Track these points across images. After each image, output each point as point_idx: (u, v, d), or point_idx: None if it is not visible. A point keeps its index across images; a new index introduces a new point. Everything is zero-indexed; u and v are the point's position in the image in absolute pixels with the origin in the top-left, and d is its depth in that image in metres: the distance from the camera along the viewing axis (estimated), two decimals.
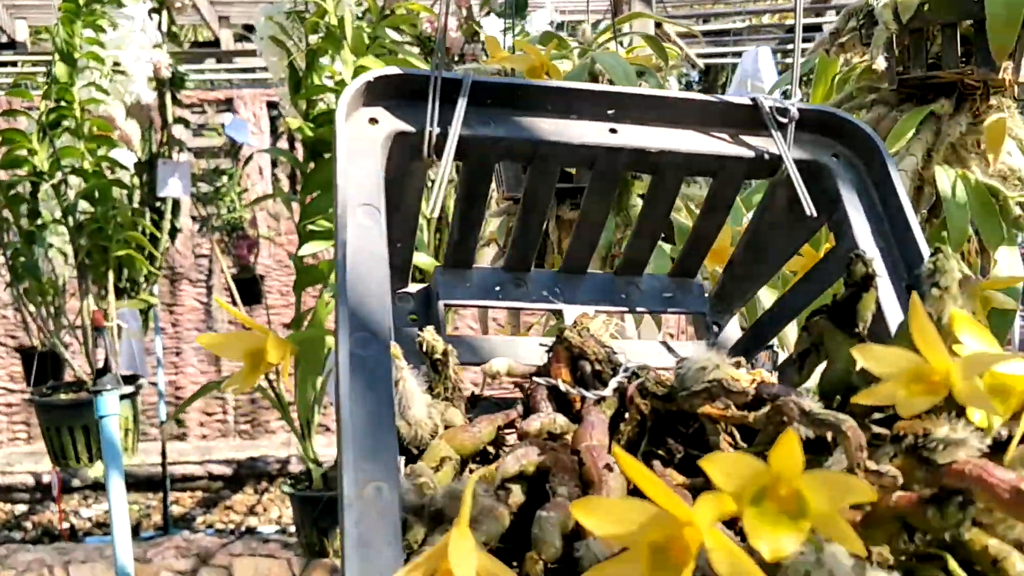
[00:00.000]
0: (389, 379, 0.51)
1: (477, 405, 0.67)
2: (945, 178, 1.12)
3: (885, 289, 0.65)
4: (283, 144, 5.38)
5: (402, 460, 0.58)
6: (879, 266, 0.65)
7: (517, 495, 0.55)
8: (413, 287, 0.73)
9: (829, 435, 0.54)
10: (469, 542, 0.46)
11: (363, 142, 0.59)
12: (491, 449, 0.62)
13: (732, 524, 0.46)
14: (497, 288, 0.73)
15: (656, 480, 0.42)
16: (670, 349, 0.74)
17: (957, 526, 0.44)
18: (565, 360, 0.63)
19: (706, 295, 0.78)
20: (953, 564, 0.50)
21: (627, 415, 0.60)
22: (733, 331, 0.78)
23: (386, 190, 0.59)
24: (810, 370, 0.62)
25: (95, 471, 3.16)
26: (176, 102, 3.82)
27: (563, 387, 0.61)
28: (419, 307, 0.72)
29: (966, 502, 0.44)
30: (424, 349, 0.63)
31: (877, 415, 0.58)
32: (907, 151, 1.11)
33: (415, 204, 0.67)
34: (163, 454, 4.34)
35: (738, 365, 0.66)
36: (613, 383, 0.61)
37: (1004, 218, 1.14)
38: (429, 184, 1.01)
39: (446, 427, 0.62)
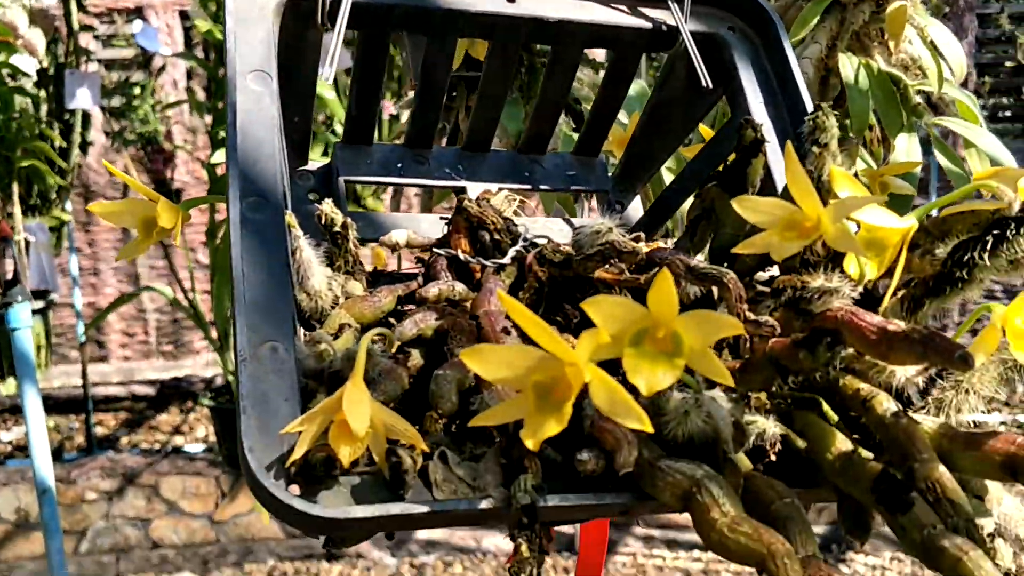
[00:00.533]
0: (282, 242, 0.51)
1: (379, 282, 0.67)
2: (849, 66, 1.14)
3: (775, 154, 0.66)
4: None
5: (303, 332, 0.58)
6: (769, 133, 0.67)
7: (416, 358, 0.56)
8: (313, 164, 0.72)
9: (715, 291, 0.56)
10: (363, 393, 0.46)
11: (254, 8, 0.58)
12: (393, 321, 0.62)
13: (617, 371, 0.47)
14: (399, 165, 0.72)
15: (541, 323, 0.43)
16: (572, 225, 0.75)
17: (826, 365, 0.46)
18: (464, 230, 0.63)
19: (610, 174, 0.79)
20: (826, 407, 0.53)
21: (526, 283, 0.62)
22: (637, 210, 0.79)
23: (282, 62, 0.58)
24: (702, 235, 0.63)
25: (8, 388, 3.10)
26: (82, 9, 3.67)
27: (463, 256, 0.62)
28: (320, 185, 0.72)
29: (834, 342, 0.46)
30: (323, 222, 0.63)
31: (762, 275, 0.60)
32: (812, 39, 1.13)
33: (311, 77, 0.66)
34: (84, 374, 4.28)
35: (637, 240, 0.67)
36: (512, 251, 0.62)
37: (904, 106, 1.16)
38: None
39: (347, 299, 0.62)
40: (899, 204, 1.11)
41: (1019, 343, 0.44)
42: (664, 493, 0.47)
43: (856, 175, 0.63)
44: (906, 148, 1.14)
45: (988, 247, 0.50)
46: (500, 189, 0.73)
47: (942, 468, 0.46)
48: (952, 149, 1.17)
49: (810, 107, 0.67)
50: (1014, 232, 0.50)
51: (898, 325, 0.45)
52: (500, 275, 0.62)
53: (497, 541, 4.86)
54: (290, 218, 0.55)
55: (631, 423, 0.41)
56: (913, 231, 0.54)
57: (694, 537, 4.84)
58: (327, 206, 0.63)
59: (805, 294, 0.51)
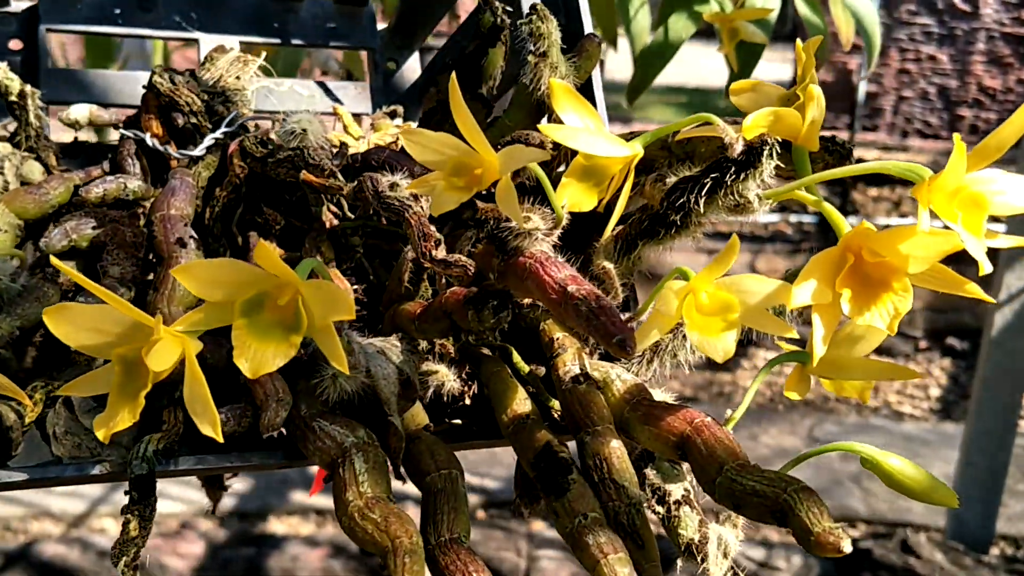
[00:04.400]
0: None
1: (80, 158, 0.58)
2: None
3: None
4: None
5: None
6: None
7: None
8: (16, 5, 0.62)
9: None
10: None
11: None
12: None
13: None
14: (117, 11, 0.62)
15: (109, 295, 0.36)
16: (329, 92, 0.66)
17: (493, 329, 0.41)
18: (155, 111, 0.55)
19: (379, 27, 0.69)
20: (517, 357, 0.48)
21: (227, 178, 0.54)
22: (414, 71, 0.70)
23: None
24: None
25: None
26: None
27: (151, 142, 0.53)
28: (23, 32, 0.61)
29: (500, 307, 0.40)
30: None
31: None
32: None
33: None
34: None
35: (393, 115, 0.59)
36: (208, 140, 0.53)
37: None
38: None
39: (22, 184, 0.54)
40: (749, 54, 1.03)
41: (694, 320, 0.39)
42: (315, 457, 0.42)
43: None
44: None
45: (705, 191, 0.44)
46: (242, 44, 0.63)
47: (614, 444, 0.42)
48: None
49: None
50: (733, 177, 0.43)
51: (580, 287, 0.40)
52: (197, 167, 0.54)
53: None
54: None
55: (203, 423, 0.35)
56: (638, 158, 0.47)
57: None
58: (1, 71, 0.53)
59: (501, 232, 0.45)
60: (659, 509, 0.45)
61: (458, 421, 0.48)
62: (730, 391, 4.53)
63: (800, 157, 0.47)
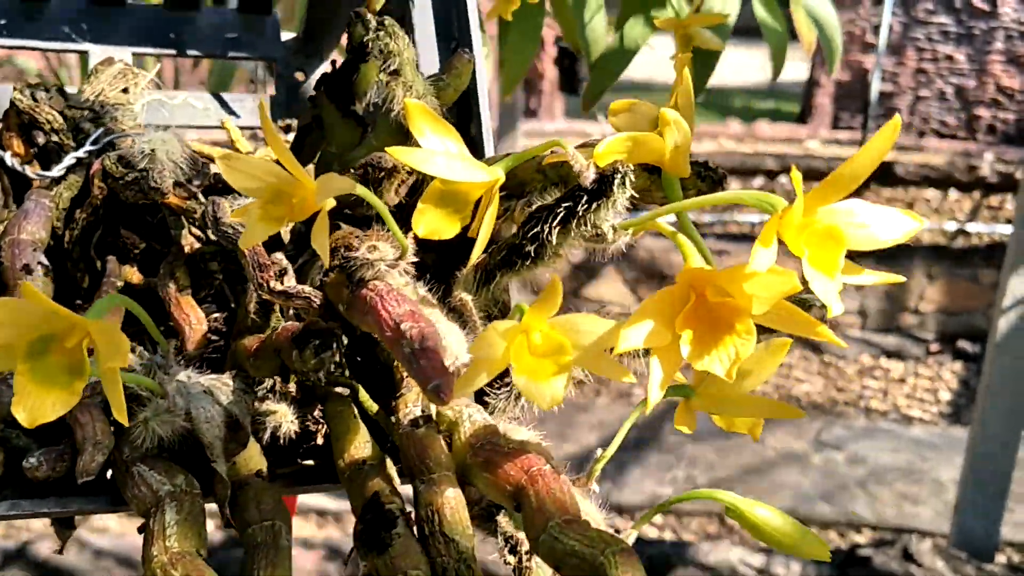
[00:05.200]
0: None
1: None
2: None
3: (429, 54, 0.55)
4: None
5: None
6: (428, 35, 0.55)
7: None
8: None
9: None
10: None
11: None
12: None
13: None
14: (2, 22, 0.60)
15: None
16: (225, 104, 0.63)
17: (315, 370, 0.38)
18: (16, 128, 0.52)
19: (284, 36, 0.66)
20: (364, 395, 0.45)
21: (89, 199, 0.51)
22: None
23: None
24: (310, 150, 0.53)
25: None
26: None
27: (10, 162, 0.51)
28: None
29: (323, 347, 0.38)
30: None
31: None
32: None
33: None
34: None
35: (287, 129, 0.57)
36: (68, 160, 0.51)
37: None
38: None
39: None
40: (704, 62, 1.00)
41: (523, 364, 0.36)
42: (133, 504, 0.40)
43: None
44: None
45: (557, 221, 0.41)
46: (135, 56, 0.61)
47: (449, 493, 0.39)
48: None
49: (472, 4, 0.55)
50: (586, 207, 0.40)
51: (415, 324, 0.37)
52: (59, 188, 0.51)
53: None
54: None
55: None
56: (500, 183, 0.44)
57: None
58: None
59: (347, 261, 0.42)
60: (510, 559, 0.43)
61: (310, 462, 0.46)
62: None
63: (669, 184, 0.44)
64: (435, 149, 0.43)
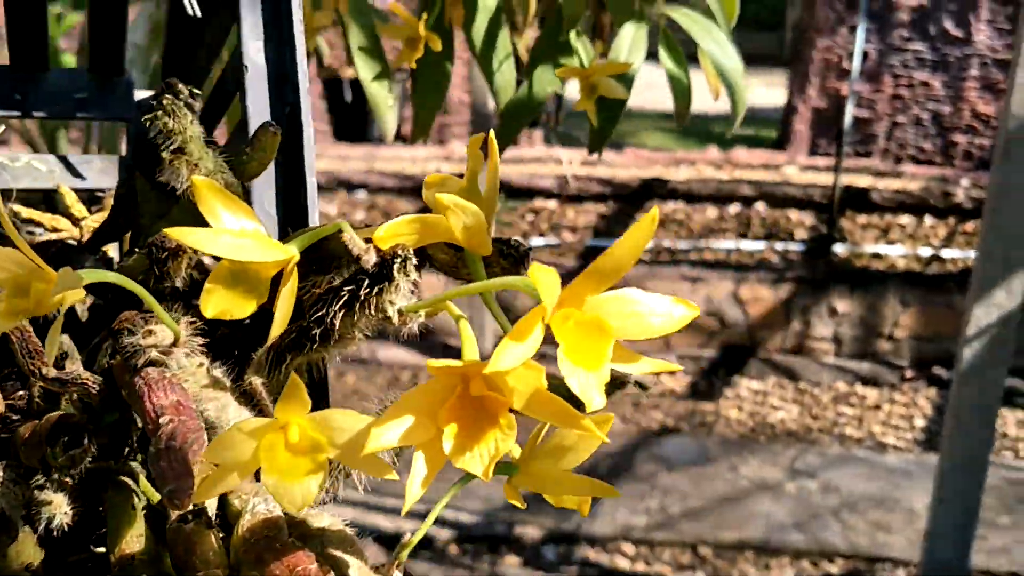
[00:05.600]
0: None
1: None
2: None
3: (257, 106, 0.53)
4: None
5: None
6: (260, 79, 0.54)
7: None
8: None
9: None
10: None
11: None
12: None
13: None
14: None
15: None
16: (70, 166, 0.62)
17: (66, 468, 0.37)
18: None
19: (136, 95, 0.65)
20: (145, 484, 0.43)
21: None
22: None
23: None
24: (125, 221, 0.51)
25: None
26: None
27: None
28: None
29: (72, 443, 0.36)
30: None
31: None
32: None
33: None
34: None
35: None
36: None
37: None
38: None
39: None
40: (609, 111, 0.99)
41: (276, 462, 0.35)
42: None
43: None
44: (630, 42, 1.00)
45: (341, 304, 0.40)
46: None
47: None
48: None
49: (301, 51, 0.53)
50: (367, 291, 0.39)
51: (175, 418, 0.35)
52: None
53: (393, 353, 4.90)
54: None
55: None
56: (294, 261, 0.43)
57: None
58: None
59: (122, 346, 0.41)
60: None
61: (102, 549, 0.44)
62: (712, 421, 4.46)
63: (472, 261, 0.43)
64: (227, 227, 0.42)
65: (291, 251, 0.43)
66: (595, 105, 0.96)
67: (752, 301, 4.91)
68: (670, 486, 3.97)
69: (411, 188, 5.69)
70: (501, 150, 1.04)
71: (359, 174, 5.76)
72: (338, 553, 0.44)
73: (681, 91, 0.95)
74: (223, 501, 0.43)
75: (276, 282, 0.43)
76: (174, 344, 0.40)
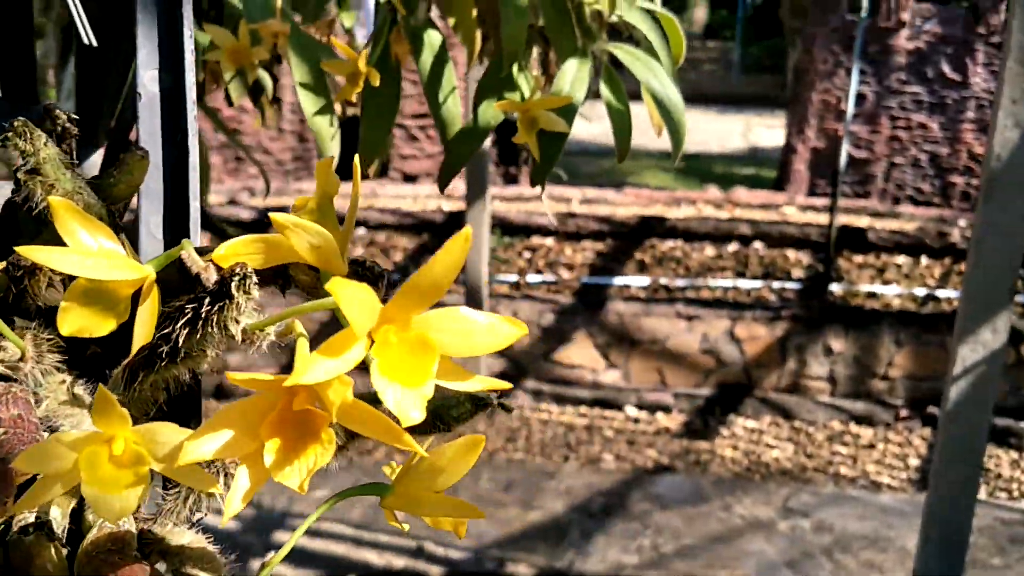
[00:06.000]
0: None
1: None
2: None
3: (151, 132, 0.54)
4: None
5: None
6: (152, 103, 0.55)
7: None
8: None
9: None
10: None
11: None
12: None
13: None
14: None
15: None
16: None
17: None
18: None
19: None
20: None
21: None
22: (96, 167, 0.68)
23: None
24: (3, 241, 0.52)
25: None
26: None
27: None
28: None
29: None
30: None
31: None
32: None
33: None
34: None
35: None
36: None
37: (579, 25, 1.04)
38: None
39: None
40: (551, 144, 1.01)
41: (98, 474, 0.35)
42: None
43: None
44: (573, 77, 1.02)
45: (183, 323, 0.41)
46: None
47: None
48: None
49: (191, 79, 0.55)
50: (209, 308, 0.40)
51: (16, 430, 0.36)
52: None
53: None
54: None
55: None
56: (150, 279, 0.44)
57: (581, 393, 4.92)
58: None
59: None
60: None
61: None
62: (707, 459, 4.44)
63: (328, 281, 0.44)
64: (85, 246, 0.43)
65: (147, 270, 0.44)
66: (536, 139, 0.97)
67: (748, 339, 4.90)
68: (663, 524, 3.94)
69: (410, 225, 5.72)
70: (446, 182, 1.05)
71: (360, 211, 5.79)
72: (195, 571, 0.44)
73: (620, 126, 0.96)
74: (79, 516, 0.43)
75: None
76: (21, 359, 0.41)
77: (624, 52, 1.00)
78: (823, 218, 5.71)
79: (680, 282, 5.44)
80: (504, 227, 5.63)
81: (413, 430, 0.45)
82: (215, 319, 0.40)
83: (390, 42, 0.98)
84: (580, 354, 4.97)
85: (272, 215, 0.39)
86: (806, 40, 6.86)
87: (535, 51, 1.03)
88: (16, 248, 0.40)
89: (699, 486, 4.28)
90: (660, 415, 4.86)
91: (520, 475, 4.25)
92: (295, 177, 6.78)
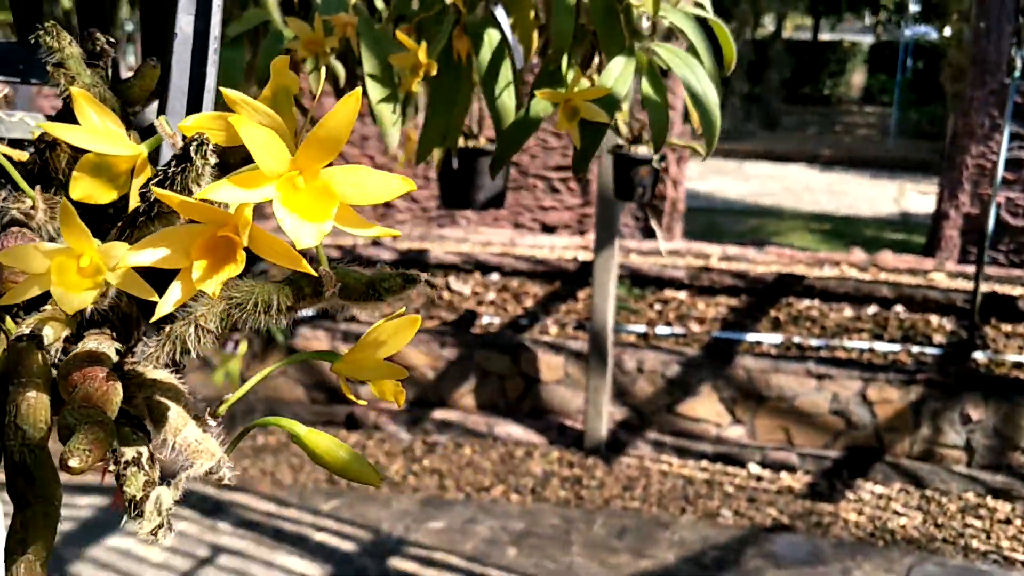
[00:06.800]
0: None
1: None
2: None
3: (182, 67, 0.65)
4: None
5: None
6: (185, 47, 0.65)
7: None
8: None
9: None
10: None
11: None
12: None
13: None
14: None
15: None
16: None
17: None
18: None
19: None
20: (9, 322, 0.54)
21: None
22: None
23: None
24: None
25: None
26: None
27: None
28: None
29: None
30: None
31: None
32: None
33: None
34: None
35: None
36: None
37: (628, 27, 1.11)
38: None
39: None
40: (591, 134, 1.08)
41: (63, 279, 0.45)
42: None
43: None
44: (618, 74, 1.09)
45: (157, 182, 0.50)
46: None
47: (30, 394, 0.48)
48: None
49: (217, 21, 0.65)
50: (174, 168, 0.49)
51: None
52: None
53: (509, 429, 4.98)
54: None
55: None
56: (142, 158, 0.54)
57: (704, 447, 4.86)
58: None
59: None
60: (112, 468, 0.50)
61: None
62: (829, 522, 4.31)
63: None
64: (95, 126, 0.54)
65: (139, 149, 0.54)
66: (578, 128, 1.05)
67: (881, 402, 4.75)
68: None
69: (542, 272, 5.82)
70: (497, 171, 1.14)
71: (495, 257, 5.93)
72: (164, 399, 0.53)
73: (656, 118, 1.03)
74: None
75: None
76: (33, 207, 0.51)
77: (666, 51, 1.07)
78: (972, 285, 5.49)
79: (814, 342, 5.32)
80: (636, 279, 5.66)
81: (350, 298, 0.53)
82: (178, 179, 0.49)
83: (452, 38, 1.08)
84: (705, 408, 4.93)
85: (226, 91, 0.48)
86: (964, 103, 6.67)
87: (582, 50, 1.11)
88: (40, 124, 0.51)
89: (818, 548, 4.16)
90: (784, 474, 4.75)
91: (634, 523, 4.23)
92: (438, 224, 7.01)
